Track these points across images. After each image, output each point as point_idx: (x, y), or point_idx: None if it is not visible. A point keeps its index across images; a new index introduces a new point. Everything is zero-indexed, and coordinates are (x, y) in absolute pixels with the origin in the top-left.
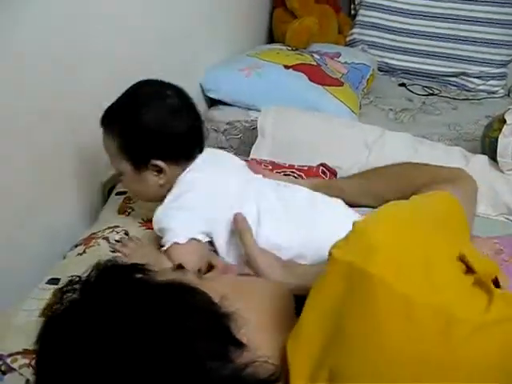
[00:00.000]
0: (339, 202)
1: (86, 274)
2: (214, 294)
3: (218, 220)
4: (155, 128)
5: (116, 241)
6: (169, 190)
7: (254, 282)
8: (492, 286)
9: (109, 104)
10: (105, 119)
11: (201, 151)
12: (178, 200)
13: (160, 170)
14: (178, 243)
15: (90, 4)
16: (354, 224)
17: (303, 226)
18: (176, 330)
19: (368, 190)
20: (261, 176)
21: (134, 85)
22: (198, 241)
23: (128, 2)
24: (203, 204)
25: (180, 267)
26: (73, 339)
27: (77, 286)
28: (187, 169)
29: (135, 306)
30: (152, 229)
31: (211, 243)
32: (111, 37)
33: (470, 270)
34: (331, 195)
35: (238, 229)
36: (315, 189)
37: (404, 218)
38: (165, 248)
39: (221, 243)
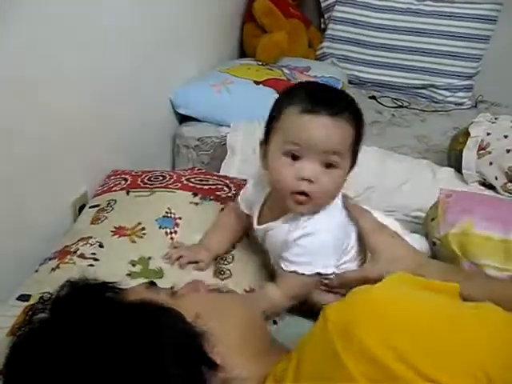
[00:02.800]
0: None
1: (56, 293)
2: (187, 313)
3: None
4: None
5: None
6: None
7: (226, 298)
8: None
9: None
10: (346, 104)
11: None
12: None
13: None
14: (303, 274)
15: (64, 25)
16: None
17: None
18: (148, 351)
19: None
20: None
21: None
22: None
23: (97, 18)
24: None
25: (153, 284)
26: (41, 361)
27: (47, 305)
28: None
29: (106, 327)
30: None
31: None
32: (81, 55)
33: None
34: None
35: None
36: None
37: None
38: (290, 270)
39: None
